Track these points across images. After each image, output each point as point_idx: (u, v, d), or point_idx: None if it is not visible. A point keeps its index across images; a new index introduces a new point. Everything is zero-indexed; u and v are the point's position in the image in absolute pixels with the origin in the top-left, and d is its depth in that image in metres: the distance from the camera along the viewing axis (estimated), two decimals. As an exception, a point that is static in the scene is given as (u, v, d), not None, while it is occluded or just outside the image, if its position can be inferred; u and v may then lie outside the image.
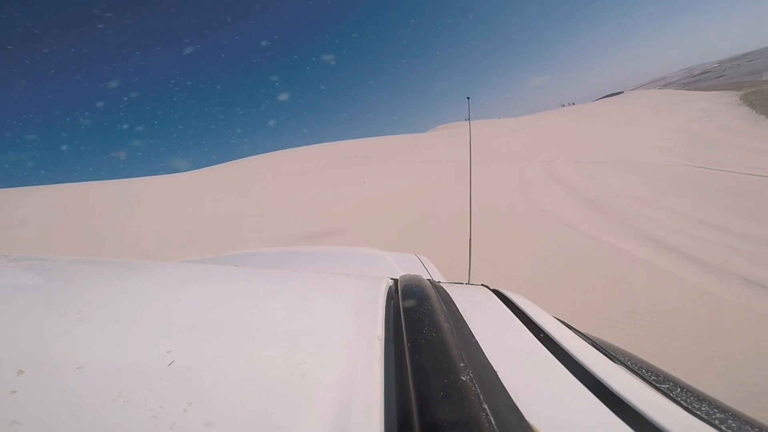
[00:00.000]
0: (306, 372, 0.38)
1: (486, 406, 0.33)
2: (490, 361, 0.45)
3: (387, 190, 13.70)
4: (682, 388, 0.50)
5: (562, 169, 12.93)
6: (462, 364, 0.40)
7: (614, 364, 0.54)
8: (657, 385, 0.50)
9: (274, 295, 0.63)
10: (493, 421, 0.31)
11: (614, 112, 35.60)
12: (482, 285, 0.85)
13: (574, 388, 0.43)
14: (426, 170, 17.61)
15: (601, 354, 0.56)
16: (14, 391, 0.31)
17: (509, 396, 0.38)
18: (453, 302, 0.64)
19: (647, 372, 0.55)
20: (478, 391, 0.35)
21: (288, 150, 46.00)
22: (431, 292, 0.63)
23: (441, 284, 0.76)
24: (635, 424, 0.37)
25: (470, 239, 1.96)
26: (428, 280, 0.74)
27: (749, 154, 11.46)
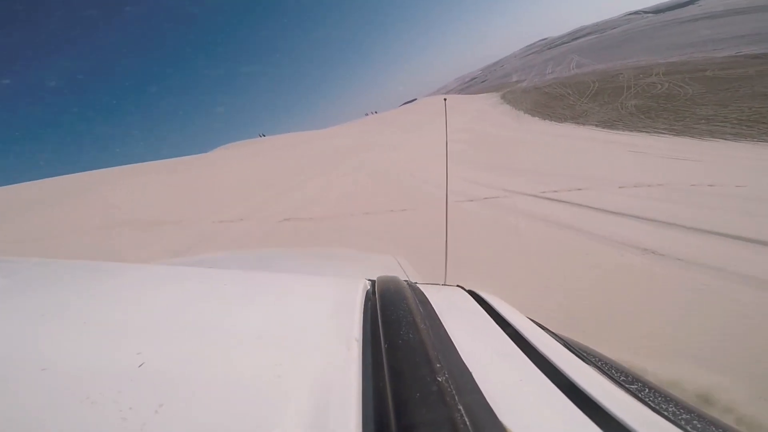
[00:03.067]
0: (282, 374, 0.38)
1: (461, 407, 0.34)
2: (465, 362, 0.45)
3: None
4: (650, 389, 0.51)
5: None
6: (438, 365, 0.40)
7: (585, 364, 0.54)
8: (626, 385, 0.51)
9: (249, 296, 0.61)
10: (468, 422, 0.32)
11: (408, 116, 37.01)
12: (458, 286, 0.85)
13: (547, 388, 0.44)
14: None
15: (572, 355, 0.56)
16: None
17: (484, 397, 0.38)
18: (429, 303, 0.64)
19: (617, 373, 0.55)
20: (454, 392, 0.36)
21: None
22: (408, 293, 0.63)
23: (417, 285, 0.76)
24: (605, 424, 0.38)
25: (446, 242, 1.83)
26: (405, 281, 0.73)
27: (563, 154, 11.08)
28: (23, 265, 0.69)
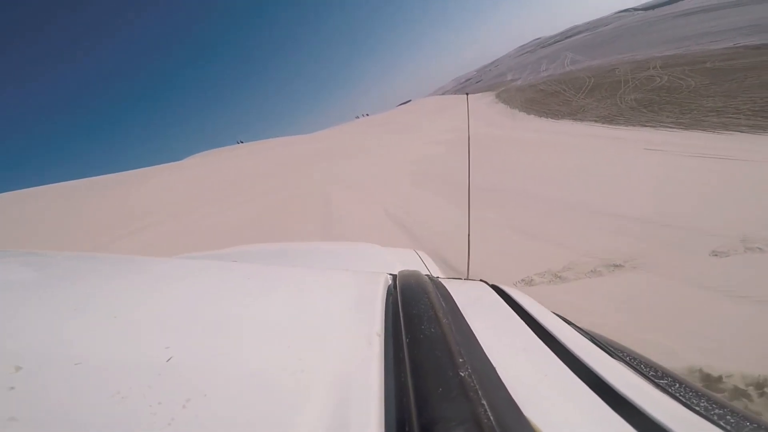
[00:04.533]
0: (305, 368, 0.39)
1: (485, 402, 0.33)
2: (488, 357, 0.44)
3: None
4: (680, 384, 0.50)
5: None
6: (461, 360, 0.40)
7: (613, 359, 0.53)
8: (656, 380, 0.50)
9: (272, 291, 0.62)
10: (492, 417, 0.31)
11: (397, 118, 36.14)
12: (481, 280, 0.84)
13: (573, 383, 0.43)
14: None
15: (599, 350, 0.55)
16: (12, 388, 0.31)
17: (508, 392, 0.38)
18: (452, 298, 0.63)
19: (646, 368, 0.55)
20: (477, 387, 0.36)
21: None
22: (430, 287, 0.62)
23: (439, 280, 0.75)
24: (634, 420, 0.37)
25: (468, 235, 1.82)
26: (427, 275, 0.72)
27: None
28: (55, 259, 0.68)
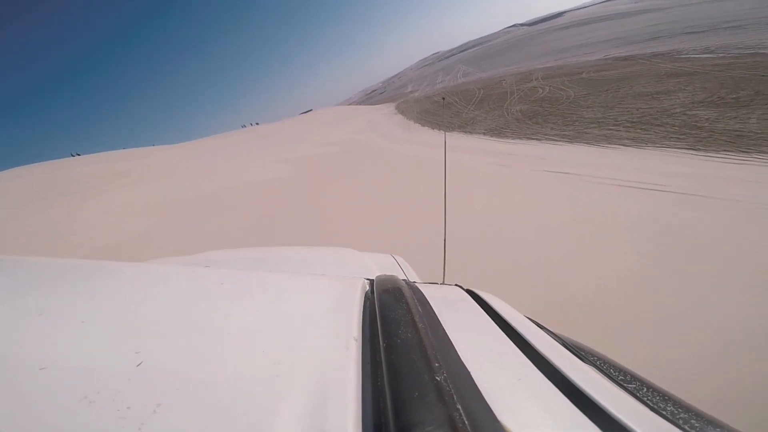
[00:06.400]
0: (280, 373, 0.38)
1: (460, 407, 0.34)
2: (464, 361, 0.45)
3: None
4: (648, 388, 0.51)
5: None
6: (437, 365, 0.40)
7: (584, 364, 0.54)
8: (624, 384, 0.51)
9: (247, 296, 0.61)
10: (466, 422, 0.32)
11: (284, 130, 33.52)
12: (456, 285, 0.85)
13: (546, 388, 0.44)
14: None
15: (571, 354, 0.56)
16: None
17: (482, 396, 0.38)
18: (428, 302, 0.63)
19: (615, 372, 0.56)
20: (453, 391, 0.36)
21: None
22: (407, 292, 0.63)
23: (416, 284, 0.76)
24: (603, 424, 0.38)
25: (445, 239, 1.80)
26: (404, 280, 0.73)
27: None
28: (22, 264, 0.68)
